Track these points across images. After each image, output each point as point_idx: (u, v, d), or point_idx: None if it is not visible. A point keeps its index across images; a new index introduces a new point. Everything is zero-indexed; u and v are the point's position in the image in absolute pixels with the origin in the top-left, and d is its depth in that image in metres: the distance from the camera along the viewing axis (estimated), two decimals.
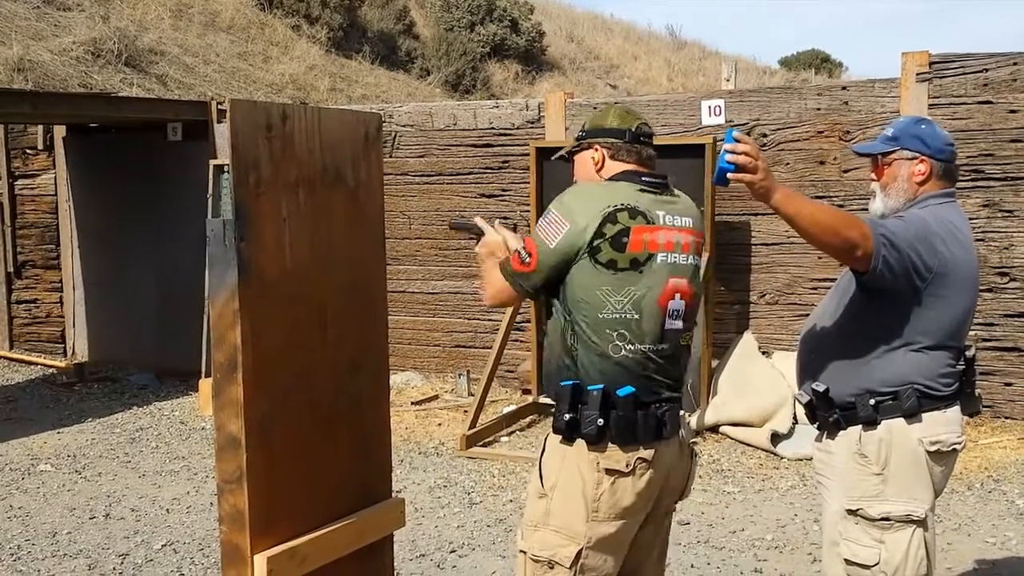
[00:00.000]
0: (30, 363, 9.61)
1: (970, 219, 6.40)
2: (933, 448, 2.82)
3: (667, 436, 2.71)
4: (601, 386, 2.64)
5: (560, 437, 2.71)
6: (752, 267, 7.18)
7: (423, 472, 6.14)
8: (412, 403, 7.66)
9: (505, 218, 7.52)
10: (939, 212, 2.85)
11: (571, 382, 2.69)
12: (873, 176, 3.01)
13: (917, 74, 6.56)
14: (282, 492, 2.54)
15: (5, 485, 5.99)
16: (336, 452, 2.75)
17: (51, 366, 9.44)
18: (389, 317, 3.00)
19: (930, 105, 6.51)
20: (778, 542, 4.89)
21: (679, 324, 2.73)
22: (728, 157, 2.55)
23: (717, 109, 7.16)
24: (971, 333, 6.39)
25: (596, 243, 2.59)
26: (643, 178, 2.75)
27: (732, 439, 6.53)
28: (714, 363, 6.96)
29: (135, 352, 9.15)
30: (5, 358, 9.83)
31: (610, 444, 2.65)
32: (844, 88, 7.07)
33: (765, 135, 7.03)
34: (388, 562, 2.99)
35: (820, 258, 6.77)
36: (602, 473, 2.65)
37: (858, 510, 2.84)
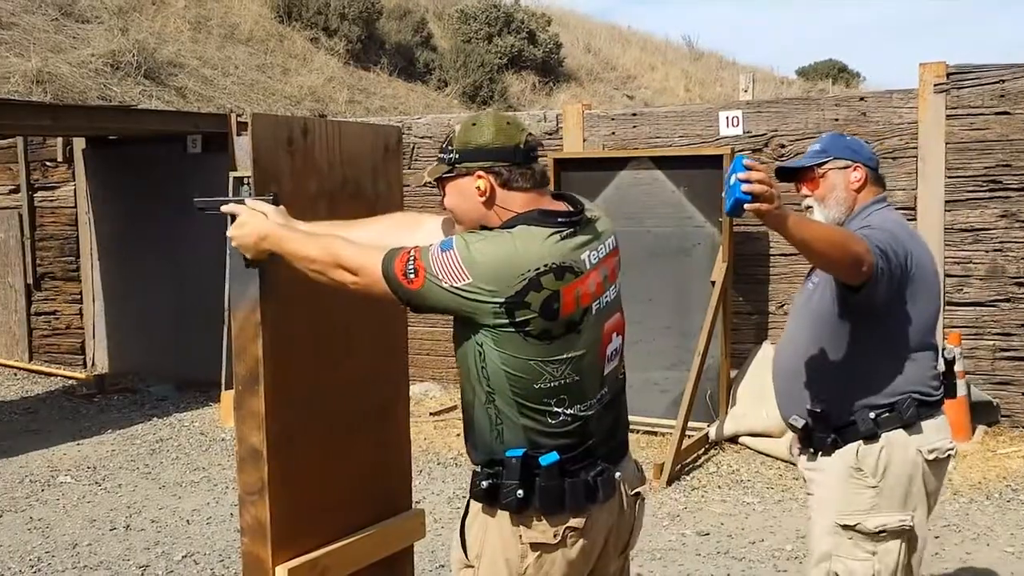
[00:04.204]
0: (50, 375, 9.66)
1: (988, 229, 6.46)
2: (931, 456, 2.82)
3: (601, 501, 2.33)
4: (521, 451, 2.26)
5: (482, 505, 2.35)
6: (770, 277, 7.16)
7: (442, 483, 6.15)
8: (431, 414, 7.67)
9: None
10: (887, 216, 2.89)
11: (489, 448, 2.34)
12: (807, 191, 3.00)
13: (934, 85, 6.54)
14: (303, 504, 2.55)
15: (25, 497, 6.03)
16: (356, 463, 2.76)
17: (71, 378, 9.49)
18: (408, 328, 3.01)
19: (947, 116, 6.49)
20: (798, 552, 4.87)
21: (616, 362, 2.42)
22: (744, 187, 2.31)
23: (735, 120, 7.16)
24: (988, 343, 6.44)
25: (520, 317, 2.18)
26: (558, 219, 2.28)
27: (751, 450, 6.52)
28: (732, 373, 6.95)
29: (154, 363, 9.19)
30: (25, 370, 9.89)
31: (534, 516, 2.28)
32: (862, 99, 7.05)
33: (783, 146, 7.02)
34: (408, 573, 3.00)
35: None
36: (526, 546, 2.30)
37: (855, 524, 2.82)
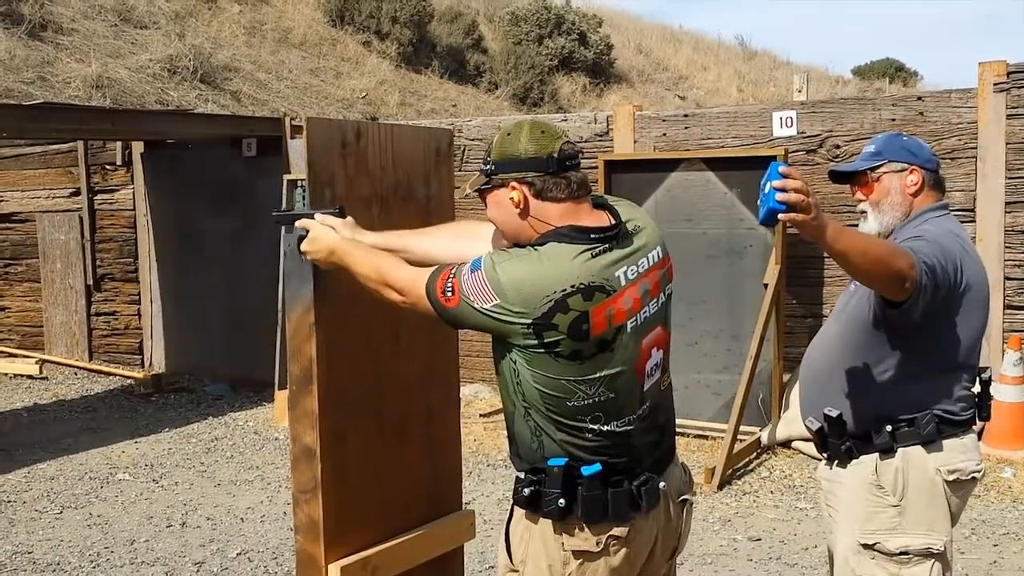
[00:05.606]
0: (109, 374, 9.82)
1: None
2: (951, 477, 2.69)
3: (645, 511, 2.31)
4: (563, 460, 2.25)
5: (525, 511, 2.35)
6: (825, 280, 7.09)
7: (492, 484, 6.16)
8: (481, 415, 7.68)
9: None
10: (944, 226, 2.74)
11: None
12: (860, 195, 2.86)
13: (994, 84, 6.43)
14: (355, 503, 2.58)
15: (85, 493, 6.14)
16: (407, 464, 2.78)
17: (129, 377, 9.64)
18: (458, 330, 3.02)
19: (1008, 115, 6.38)
20: None
21: (657, 375, 2.37)
22: (779, 196, 2.18)
23: (788, 120, 7.09)
24: None
25: (549, 338, 2.16)
26: (591, 235, 2.23)
27: (804, 455, 6.46)
28: (785, 377, 6.89)
29: (210, 363, 9.32)
30: (85, 369, 10.06)
31: (576, 524, 2.27)
32: (920, 98, 6.95)
33: (838, 146, 6.95)
34: (458, 574, 3.01)
35: None
36: (569, 554, 2.28)
37: (875, 544, 2.69)
